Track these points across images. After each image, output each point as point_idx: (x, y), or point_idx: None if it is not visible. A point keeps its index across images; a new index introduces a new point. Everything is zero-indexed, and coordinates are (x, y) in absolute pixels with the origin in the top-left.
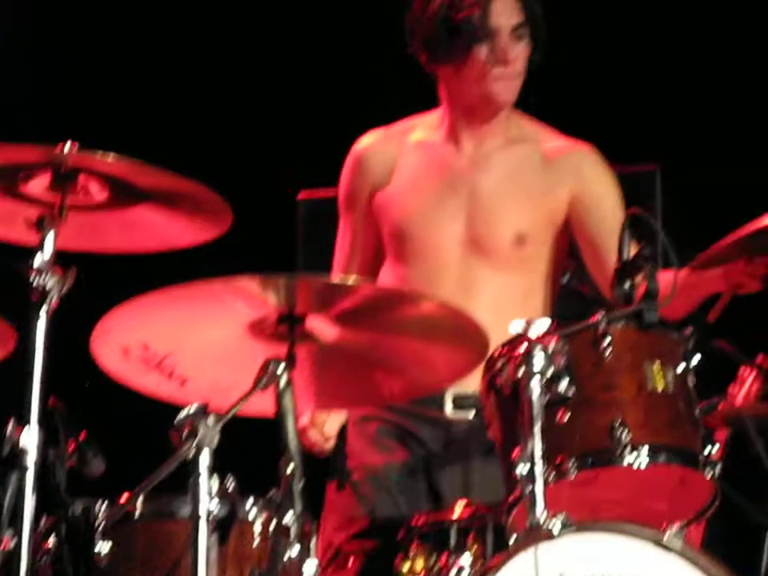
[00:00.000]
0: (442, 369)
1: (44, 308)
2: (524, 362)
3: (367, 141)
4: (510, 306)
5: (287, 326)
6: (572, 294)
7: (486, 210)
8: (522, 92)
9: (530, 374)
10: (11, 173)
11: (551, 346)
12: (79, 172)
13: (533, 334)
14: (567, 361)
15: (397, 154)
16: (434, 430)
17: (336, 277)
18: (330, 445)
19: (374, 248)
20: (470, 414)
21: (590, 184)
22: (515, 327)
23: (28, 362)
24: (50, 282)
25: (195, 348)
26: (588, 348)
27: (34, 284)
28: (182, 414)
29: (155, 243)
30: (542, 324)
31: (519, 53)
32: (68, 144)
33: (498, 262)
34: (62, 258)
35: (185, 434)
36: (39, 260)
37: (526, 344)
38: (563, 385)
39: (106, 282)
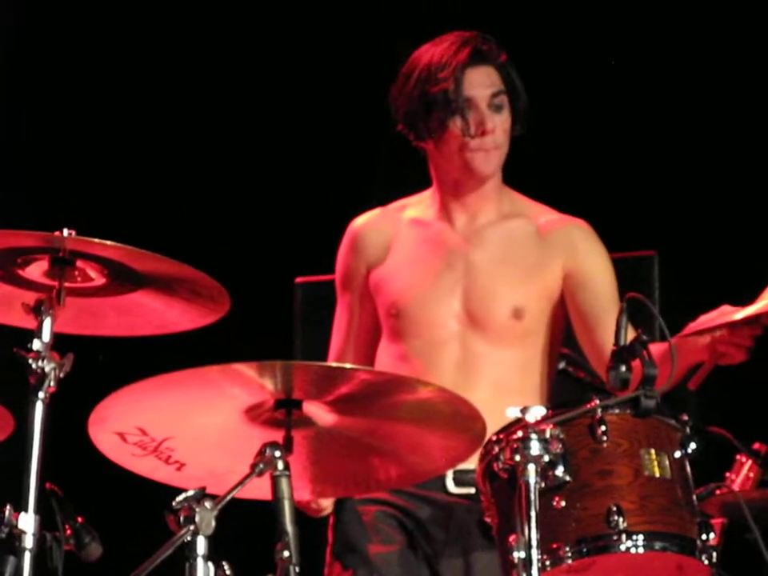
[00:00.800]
0: (439, 455)
1: (42, 392)
2: (520, 448)
3: (363, 220)
4: (509, 380)
5: (284, 412)
6: (568, 379)
7: (482, 285)
8: (520, 175)
9: (526, 460)
10: (10, 258)
11: (547, 432)
12: (77, 257)
13: (529, 419)
14: (563, 447)
15: (392, 232)
16: (435, 511)
17: (333, 362)
18: (325, 513)
19: (371, 327)
20: (472, 489)
21: (583, 259)
22: (512, 412)
23: (25, 446)
24: (48, 366)
25: (192, 433)
26: (584, 434)
27: (32, 368)
28: (179, 498)
29: (153, 328)
30: (539, 410)
31: (498, 123)
32: (65, 230)
33: (495, 337)
34: (59, 342)
35: (182, 518)
36: (37, 344)
37: (522, 430)
38: (559, 471)
39: (103, 366)
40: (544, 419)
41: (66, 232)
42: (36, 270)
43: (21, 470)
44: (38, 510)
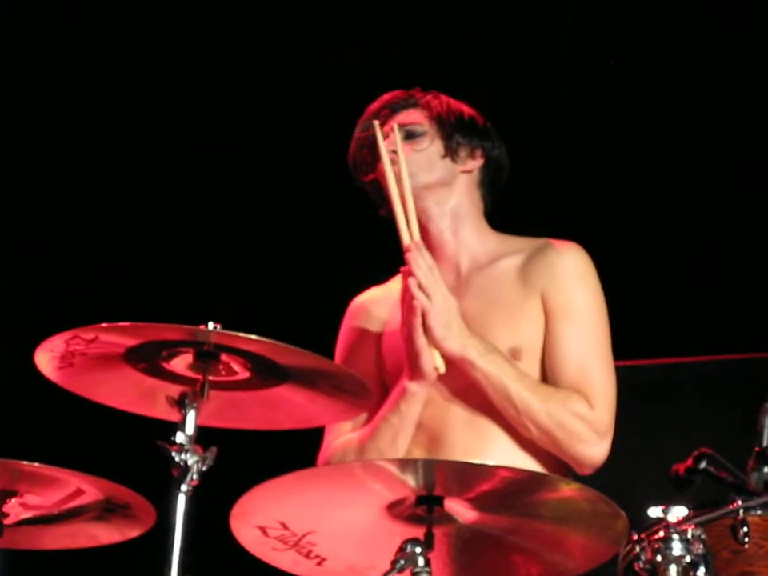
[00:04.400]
0: (579, 553)
1: (184, 485)
2: (662, 548)
3: (363, 296)
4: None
5: (425, 508)
6: (710, 479)
7: (477, 331)
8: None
9: (668, 561)
10: (155, 350)
11: (689, 533)
12: (222, 351)
13: (671, 519)
14: (705, 548)
15: (390, 304)
16: None
17: (474, 460)
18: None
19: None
20: None
21: (560, 283)
22: (654, 512)
23: (167, 538)
24: (191, 459)
25: (333, 528)
26: (726, 535)
27: (176, 461)
28: None
29: (296, 422)
30: (680, 510)
31: (399, 144)
32: (211, 323)
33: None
34: (202, 436)
35: None
36: (181, 437)
37: (663, 530)
38: (701, 572)
39: (246, 459)
40: (686, 519)
41: (211, 325)
42: (181, 363)
43: (162, 563)
44: None
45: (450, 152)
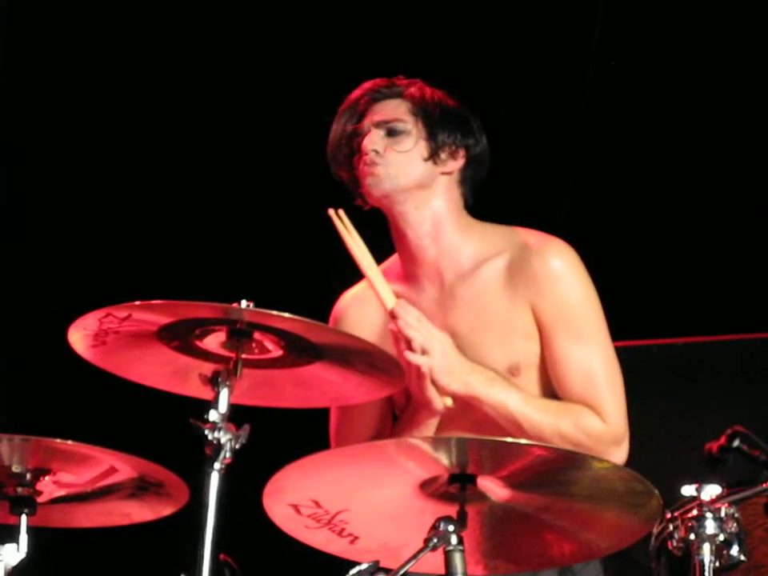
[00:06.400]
0: (613, 532)
1: (217, 463)
2: (695, 527)
3: (346, 299)
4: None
5: (458, 486)
6: (743, 457)
7: (472, 351)
8: None
9: (701, 539)
10: (188, 329)
11: (722, 511)
12: (255, 329)
13: (704, 497)
14: (738, 526)
15: (373, 302)
16: None
17: (507, 438)
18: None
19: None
20: None
21: (546, 292)
22: (687, 490)
23: (200, 516)
24: (224, 437)
25: (366, 506)
26: (759, 514)
27: (209, 439)
28: (353, 571)
29: (329, 400)
30: (713, 488)
31: (387, 144)
32: (244, 301)
33: None
34: (236, 413)
35: None
36: (214, 415)
37: (697, 509)
38: (734, 550)
39: (279, 437)
40: (719, 498)
41: (244, 303)
42: (213, 342)
43: (195, 541)
44: None
45: (433, 154)
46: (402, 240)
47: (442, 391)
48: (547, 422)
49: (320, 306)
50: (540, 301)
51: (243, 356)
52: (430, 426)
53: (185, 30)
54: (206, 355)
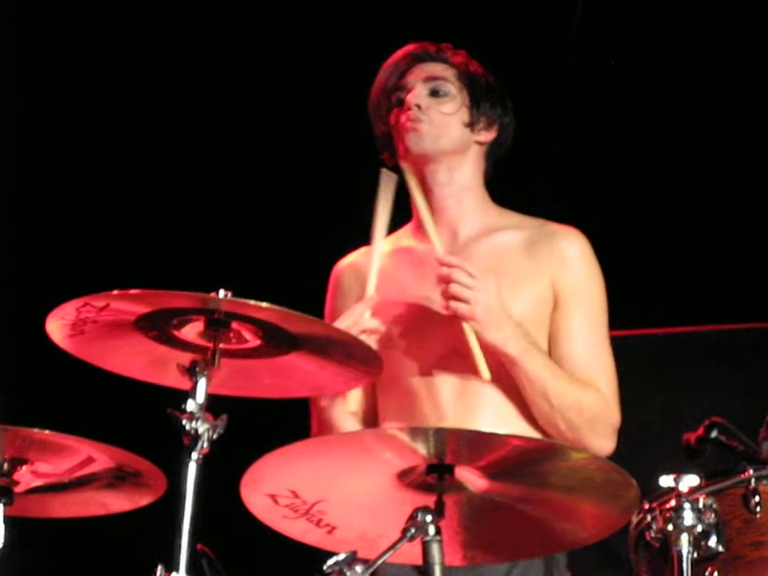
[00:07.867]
0: (591, 523)
1: (195, 453)
2: (673, 517)
3: (345, 261)
4: (511, 405)
5: (436, 477)
6: (721, 448)
7: None
8: None
9: (679, 530)
10: (166, 318)
11: (701, 502)
12: (232, 319)
13: (682, 488)
14: (716, 517)
15: (365, 278)
16: None
17: (484, 428)
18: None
19: None
20: None
21: (570, 271)
22: (665, 481)
23: (177, 506)
24: (202, 427)
25: (344, 496)
26: (738, 504)
27: (186, 429)
28: (330, 562)
29: (307, 390)
30: (692, 479)
31: (432, 104)
32: (221, 291)
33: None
34: (213, 403)
35: None
36: (191, 405)
37: (675, 499)
38: (712, 541)
39: (256, 427)
40: (697, 489)
41: (222, 293)
42: (191, 331)
43: (173, 531)
44: (189, 571)
45: (473, 122)
46: (427, 195)
47: (479, 334)
48: (570, 391)
49: (298, 296)
50: (564, 275)
51: (221, 346)
52: (425, 413)
53: (178, 14)
54: (183, 345)
